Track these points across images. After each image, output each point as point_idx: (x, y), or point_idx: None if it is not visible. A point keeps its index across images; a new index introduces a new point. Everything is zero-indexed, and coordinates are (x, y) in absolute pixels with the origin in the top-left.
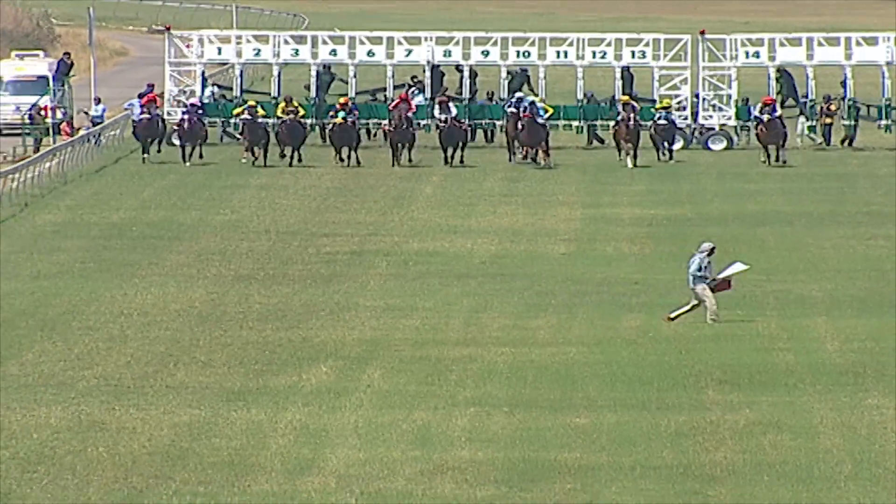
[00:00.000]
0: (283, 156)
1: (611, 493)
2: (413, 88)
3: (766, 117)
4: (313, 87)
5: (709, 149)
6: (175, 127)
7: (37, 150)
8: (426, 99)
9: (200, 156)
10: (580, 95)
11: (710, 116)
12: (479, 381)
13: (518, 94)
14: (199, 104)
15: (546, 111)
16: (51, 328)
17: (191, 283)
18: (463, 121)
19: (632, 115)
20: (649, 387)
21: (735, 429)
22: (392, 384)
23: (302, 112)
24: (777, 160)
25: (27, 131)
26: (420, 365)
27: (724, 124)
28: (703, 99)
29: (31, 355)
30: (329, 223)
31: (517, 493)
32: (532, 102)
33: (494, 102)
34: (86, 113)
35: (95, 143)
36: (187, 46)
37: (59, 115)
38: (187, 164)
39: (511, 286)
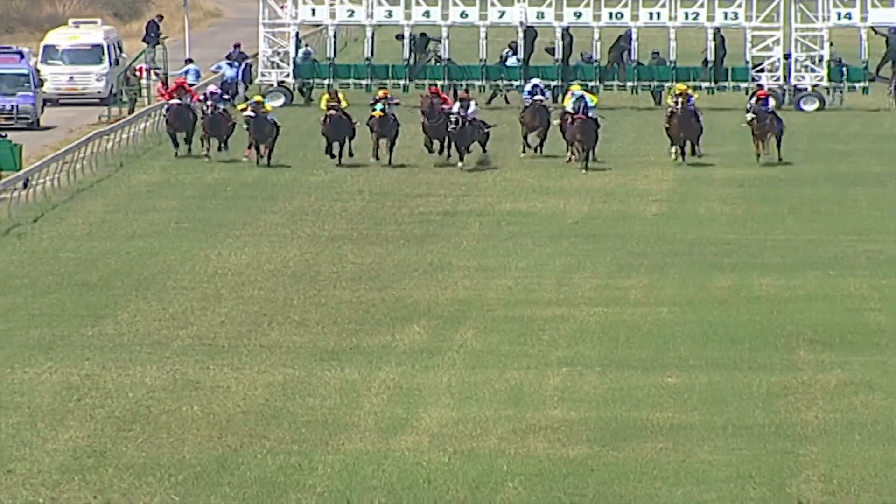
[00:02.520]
0: (330, 154)
1: (702, 453)
2: (508, 50)
3: (750, 116)
4: (406, 50)
5: (801, 109)
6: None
7: (131, 111)
8: (519, 61)
9: (221, 147)
10: (672, 56)
11: (803, 77)
12: (572, 340)
13: (533, 81)
14: (221, 91)
15: (594, 101)
16: (146, 288)
17: (285, 243)
18: (480, 121)
19: (681, 104)
20: (741, 346)
21: (826, 388)
22: (485, 344)
23: (345, 104)
24: (768, 154)
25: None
26: (512, 325)
27: (816, 85)
28: (796, 60)
29: (126, 315)
30: (422, 183)
31: (609, 453)
32: (580, 97)
33: (588, 64)
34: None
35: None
36: (281, 7)
37: (153, 76)
38: (210, 158)
39: (603, 246)
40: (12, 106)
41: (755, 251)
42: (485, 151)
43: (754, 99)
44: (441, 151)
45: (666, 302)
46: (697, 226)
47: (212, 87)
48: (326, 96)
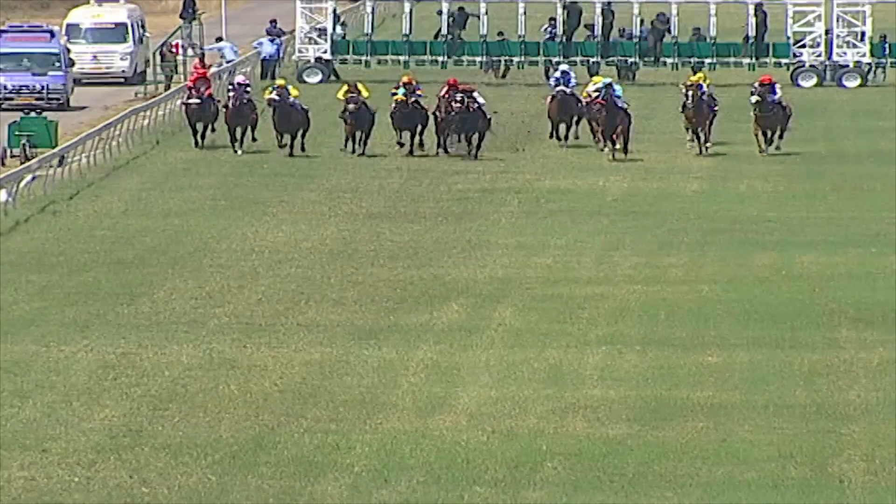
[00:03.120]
0: (352, 149)
1: (743, 432)
2: (547, 27)
3: (755, 99)
4: (445, 26)
5: (843, 86)
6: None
7: (167, 87)
8: (556, 37)
9: (253, 139)
10: (713, 32)
11: (844, 53)
12: (611, 319)
13: (563, 67)
14: (247, 83)
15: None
16: (182, 266)
17: (322, 221)
18: (484, 109)
19: (692, 96)
20: (782, 325)
21: (868, 367)
22: (524, 322)
23: (366, 94)
24: (771, 144)
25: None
26: (552, 303)
27: (857, 61)
28: (837, 36)
29: (162, 293)
30: (460, 160)
31: (649, 432)
32: (609, 83)
33: (627, 39)
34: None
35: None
36: None
37: (189, 52)
38: (238, 151)
39: (643, 224)
40: (42, 86)
41: (797, 229)
42: (479, 146)
43: (757, 84)
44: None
45: (706, 280)
46: (738, 203)
47: (239, 78)
48: (345, 87)
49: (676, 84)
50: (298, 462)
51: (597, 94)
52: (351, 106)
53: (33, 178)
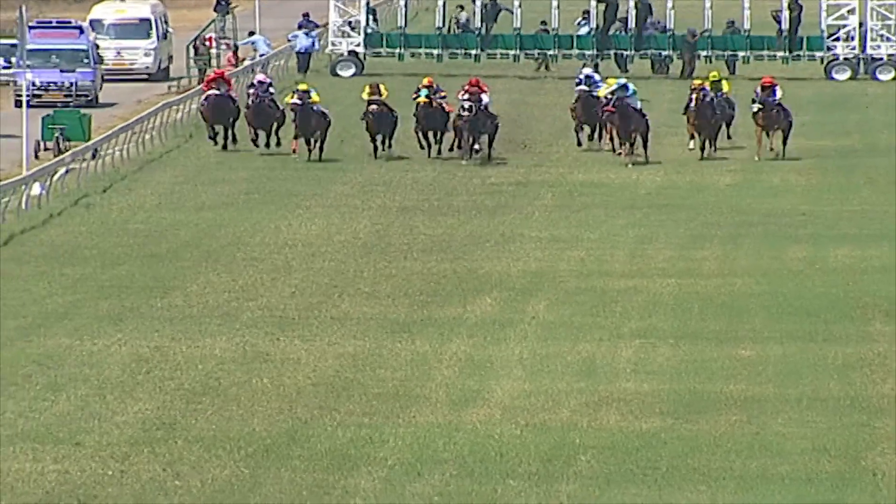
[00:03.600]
0: (374, 152)
1: (777, 425)
2: (580, 20)
3: (756, 107)
4: (477, 19)
5: (876, 79)
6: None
7: (201, 80)
8: (590, 30)
9: (277, 143)
10: (747, 25)
11: (878, 47)
12: (645, 312)
13: (586, 71)
14: (269, 81)
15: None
16: (215, 259)
17: (355, 214)
18: (490, 112)
19: (695, 98)
20: (816, 318)
21: None
22: (557, 316)
23: (385, 94)
24: (773, 150)
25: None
26: (585, 296)
27: (891, 54)
28: (871, 29)
29: (195, 286)
30: (494, 153)
31: (682, 425)
32: (624, 85)
33: (661, 33)
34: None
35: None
36: None
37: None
38: (258, 149)
39: (676, 217)
40: (71, 83)
41: (830, 222)
42: (491, 147)
43: (759, 87)
44: (473, 154)
45: (740, 273)
46: (772, 196)
47: (260, 76)
48: (368, 88)
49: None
50: (331, 455)
51: (610, 98)
52: (373, 107)
53: (66, 172)
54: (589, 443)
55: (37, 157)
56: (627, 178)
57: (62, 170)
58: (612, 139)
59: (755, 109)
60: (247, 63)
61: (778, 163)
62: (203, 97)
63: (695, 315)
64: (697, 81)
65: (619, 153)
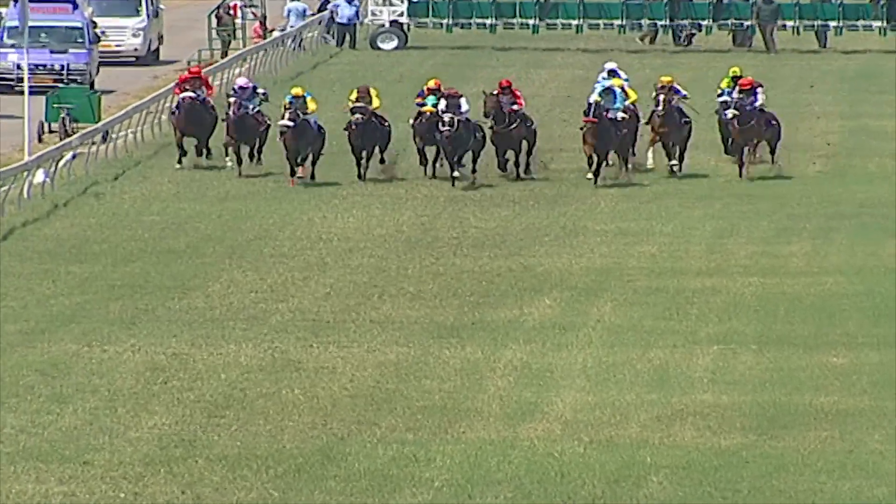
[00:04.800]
0: (358, 172)
1: (872, 442)
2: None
3: (731, 113)
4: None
5: None
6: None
7: (224, 54)
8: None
9: (257, 159)
10: None
11: None
12: (724, 315)
13: (609, 66)
14: (253, 86)
15: (628, 97)
16: (240, 255)
17: (398, 205)
18: (475, 122)
19: (662, 101)
20: None
21: None
22: (625, 319)
23: (377, 104)
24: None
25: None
26: (657, 297)
27: None
28: None
29: (218, 286)
30: (554, 137)
31: (766, 442)
32: (609, 90)
33: (744, 2)
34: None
35: (298, 46)
36: None
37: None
38: (238, 170)
39: (759, 208)
40: (62, 65)
41: None
42: (475, 165)
43: (736, 90)
44: (515, 165)
45: (831, 271)
46: (867, 185)
47: (242, 80)
48: (355, 92)
49: (799, 50)
50: (371, 476)
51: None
52: (357, 116)
53: (74, 157)
54: (661, 462)
55: (40, 140)
56: (705, 164)
57: (68, 155)
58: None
59: (729, 116)
60: (275, 35)
61: (875, 145)
62: (175, 103)
63: (780, 318)
64: (666, 79)
65: (589, 177)
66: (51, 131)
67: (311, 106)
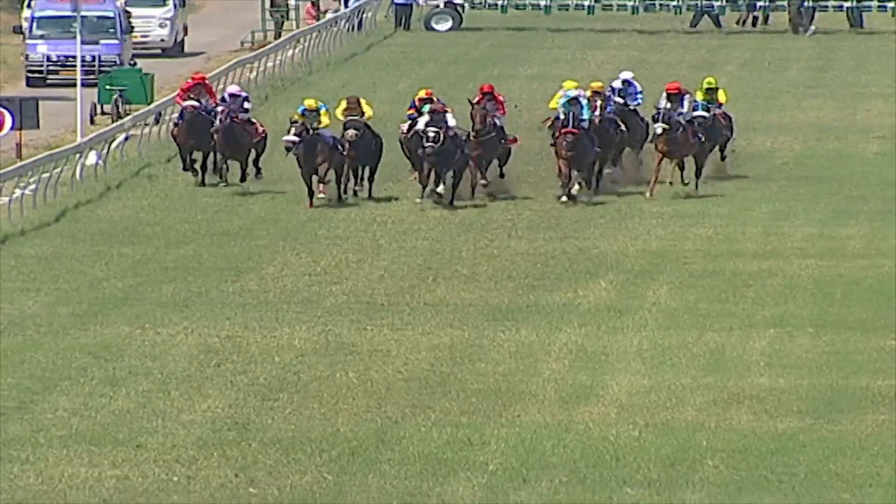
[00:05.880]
0: (348, 184)
1: None
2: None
3: (660, 128)
4: None
5: None
6: None
7: (277, 35)
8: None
9: (255, 171)
10: None
11: None
12: (780, 298)
13: (624, 75)
14: (244, 94)
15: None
16: (294, 238)
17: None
18: (459, 139)
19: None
20: None
21: None
22: (681, 302)
23: (369, 114)
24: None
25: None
26: (713, 280)
27: None
28: None
29: (272, 268)
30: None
31: (823, 426)
32: (574, 99)
33: None
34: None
35: (356, 28)
36: None
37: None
38: (222, 182)
39: (817, 190)
40: (93, 56)
41: None
42: (456, 187)
43: (663, 97)
44: (502, 176)
45: (889, 254)
46: None
47: (233, 88)
48: (344, 103)
49: (857, 31)
50: (425, 459)
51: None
52: (350, 132)
53: (126, 138)
54: (717, 445)
55: (92, 122)
56: (761, 146)
57: (121, 136)
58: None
59: (659, 131)
60: (329, 16)
61: None
62: (178, 113)
63: (837, 301)
64: (597, 84)
65: (561, 195)
66: (103, 113)
67: (325, 120)
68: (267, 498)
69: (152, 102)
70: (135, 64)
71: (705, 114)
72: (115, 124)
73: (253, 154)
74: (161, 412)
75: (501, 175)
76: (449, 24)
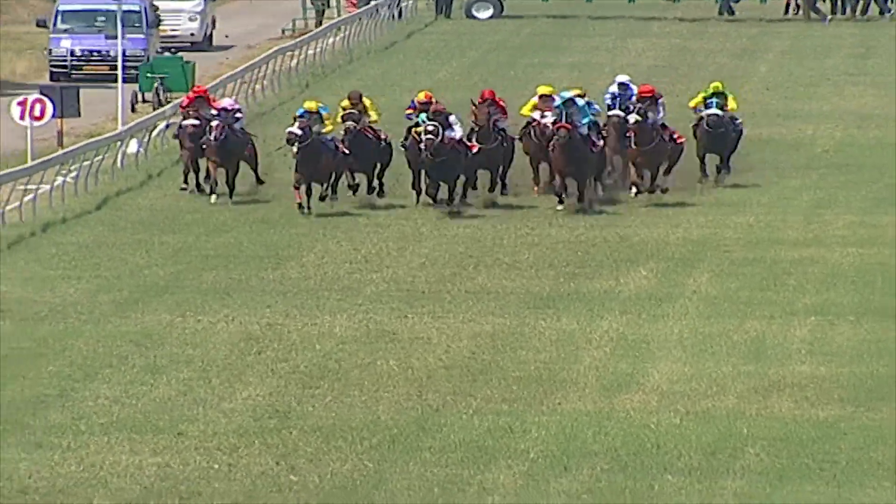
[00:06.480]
0: (352, 188)
1: None
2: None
3: (633, 118)
4: None
5: None
6: None
7: (318, 23)
8: None
9: (231, 182)
10: None
11: None
12: (821, 286)
13: (620, 79)
14: (237, 108)
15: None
16: (335, 225)
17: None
18: (468, 143)
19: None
20: None
21: None
22: (721, 289)
23: (375, 117)
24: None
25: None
26: (753, 268)
27: None
28: None
29: (312, 256)
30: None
31: (864, 414)
32: (570, 100)
33: None
34: None
35: (397, 16)
36: None
37: None
38: (213, 198)
39: (858, 178)
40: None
41: None
42: (464, 194)
43: (635, 97)
44: (504, 187)
45: None
46: None
47: (226, 102)
48: (346, 102)
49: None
50: (466, 447)
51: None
52: (349, 124)
53: (167, 126)
54: (758, 433)
55: (133, 110)
56: (801, 134)
57: (162, 124)
58: (551, 175)
59: (632, 121)
60: (372, 3)
61: None
62: (179, 125)
63: (878, 289)
64: (576, 91)
65: (558, 202)
66: (144, 101)
67: (328, 126)
68: (308, 485)
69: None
70: (176, 52)
71: (719, 112)
72: (155, 112)
73: (238, 165)
74: (202, 400)
75: (503, 186)
76: (490, 11)
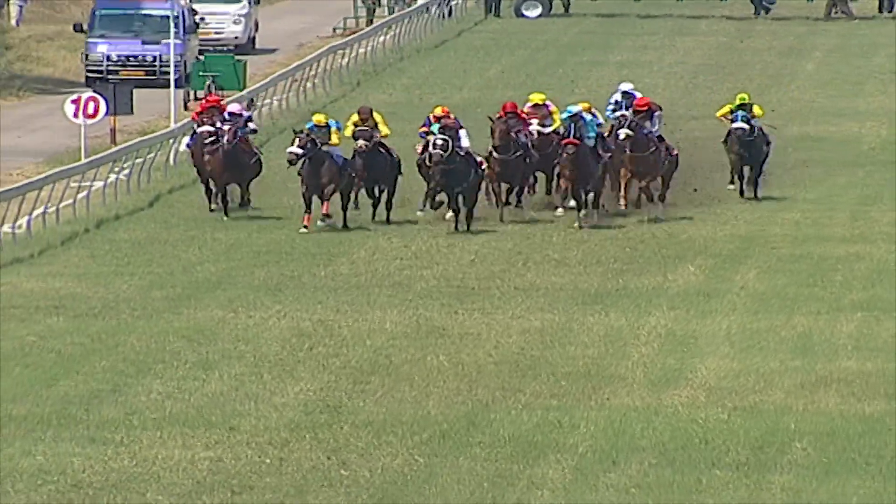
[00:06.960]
0: (356, 201)
1: None
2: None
3: (623, 133)
4: None
5: None
6: None
7: (370, 22)
8: None
9: (247, 200)
10: None
11: None
12: (868, 282)
13: (624, 87)
14: (248, 115)
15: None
16: (385, 223)
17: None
18: (471, 156)
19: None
20: None
21: None
22: (769, 286)
23: (386, 132)
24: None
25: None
26: (801, 264)
27: None
28: None
29: (363, 253)
30: (698, 104)
31: None
32: (577, 115)
33: None
34: None
35: (447, 14)
36: None
37: None
38: (224, 217)
39: None
40: (154, 56)
41: None
42: (471, 212)
43: (629, 112)
44: (518, 202)
45: None
46: None
47: (234, 107)
48: (355, 117)
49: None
50: (516, 442)
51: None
52: (360, 143)
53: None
54: (805, 428)
55: (186, 107)
56: (849, 131)
57: None
58: (559, 190)
59: (622, 136)
60: (420, 1)
61: None
62: (190, 135)
63: None
64: (585, 104)
65: (558, 208)
66: (196, 99)
67: (334, 139)
68: (358, 480)
69: (245, 88)
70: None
71: (745, 125)
72: None
73: (253, 176)
74: (254, 395)
75: (518, 202)
76: (539, 10)
